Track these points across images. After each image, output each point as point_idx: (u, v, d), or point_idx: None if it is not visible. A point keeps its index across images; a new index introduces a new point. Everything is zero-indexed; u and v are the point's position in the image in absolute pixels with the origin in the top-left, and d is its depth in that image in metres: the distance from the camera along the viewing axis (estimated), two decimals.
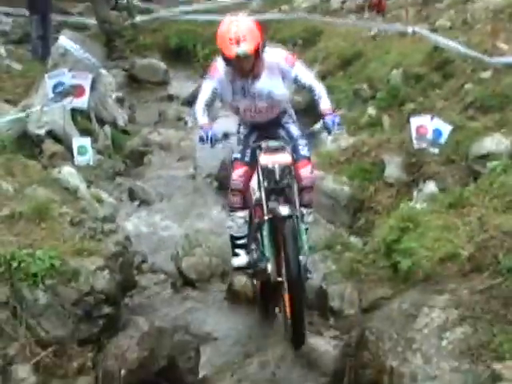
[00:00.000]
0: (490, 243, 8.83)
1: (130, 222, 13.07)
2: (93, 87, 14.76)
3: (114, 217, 12.57)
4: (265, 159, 8.87)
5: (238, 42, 8.31)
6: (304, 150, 9.36)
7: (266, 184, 8.86)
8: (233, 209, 9.42)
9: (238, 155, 9.41)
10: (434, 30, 17.93)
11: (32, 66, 18.88)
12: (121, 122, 17.67)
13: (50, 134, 14.68)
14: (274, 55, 8.90)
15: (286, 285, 8.59)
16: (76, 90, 14.27)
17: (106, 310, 9.30)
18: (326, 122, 9.17)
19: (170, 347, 8.55)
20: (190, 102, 21.53)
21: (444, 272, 8.95)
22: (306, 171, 9.19)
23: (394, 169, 13.23)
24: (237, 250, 9.55)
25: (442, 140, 11.97)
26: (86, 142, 13.27)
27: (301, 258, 8.64)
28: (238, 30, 8.39)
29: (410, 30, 18.49)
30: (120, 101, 18.91)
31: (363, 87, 17.40)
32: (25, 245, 9.20)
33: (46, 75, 14.91)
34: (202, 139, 9.03)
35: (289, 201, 8.95)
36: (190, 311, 10.23)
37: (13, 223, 9.96)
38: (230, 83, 8.97)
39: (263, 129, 9.45)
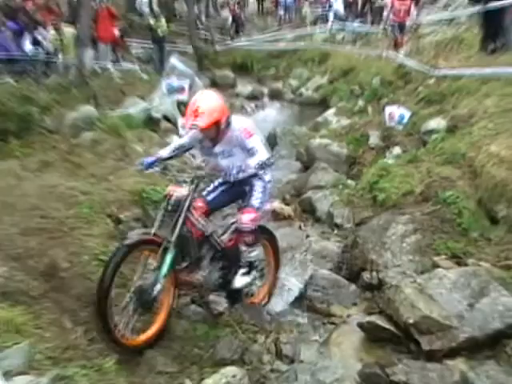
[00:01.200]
0: (433, 184, 8.77)
1: None
2: (190, 88, 14.75)
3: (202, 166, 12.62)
4: (169, 188, 6.66)
5: (195, 116, 6.40)
6: (255, 201, 6.94)
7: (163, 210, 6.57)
8: None
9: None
10: (398, 54, 17.84)
11: (153, 77, 18.99)
12: None
13: (164, 117, 14.79)
14: (237, 125, 6.69)
15: None
16: (180, 90, 14.40)
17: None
18: (231, 169, 6.72)
19: None
20: (250, 97, 21.79)
21: (405, 202, 8.92)
22: (246, 217, 6.80)
23: (374, 138, 13.18)
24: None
25: (405, 121, 11.90)
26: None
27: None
28: (200, 105, 6.43)
29: (384, 54, 18.38)
30: None
31: (356, 88, 17.37)
32: (149, 183, 9.26)
33: (163, 81, 15.05)
34: (139, 163, 6.97)
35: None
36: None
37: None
38: (200, 143, 7.04)
39: (228, 188, 7.23)
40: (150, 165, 6.82)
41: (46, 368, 5.24)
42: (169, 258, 6.26)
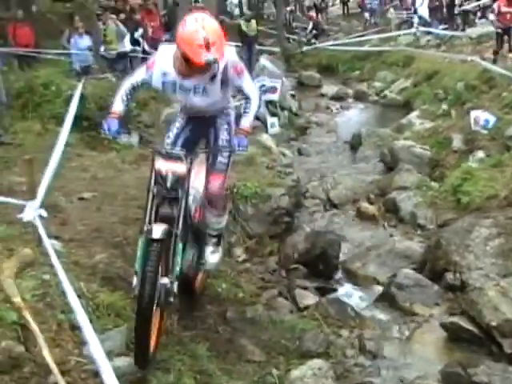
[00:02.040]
0: None
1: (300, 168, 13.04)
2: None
3: (291, 164, 12.71)
4: (159, 164, 5.18)
5: (208, 48, 4.91)
6: (221, 163, 5.80)
7: (155, 190, 5.24)
8: None
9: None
10: (483, 59, 17.49)
11: None
12: (293, 109, 17.83)
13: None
14: (230, 57, 5.37)
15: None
16: (272, 89, 14.47)
17: (286, 219, 9.45)
18: (232, 141, 5.72)
19: (323, 242, 8.59)
20: (335, 97, 21.75)
21: (489, 205, 8.81)
22: (214, 185, 5.76)
23: (457, 142, 12.94)
24: None
25: (490, 126, 11.71)
26: (275, 120, 13.38)
27: (164, 281, 5.14)
28: (208, 34, 4.92)
29: (469, 58, 18.05)
30: (293, 96, 18.94)
31: (439, 92, 17.11)
32: (240, 179, 9.37)
33: (255, 80, 15.12)
34: (103, 129, 5.40)
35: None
36: (334, 223, 10.25)
37: (233, 166, 10.16)
38: (165, 76, 5.44)
39: (197, 124, 5.92)
40: (117, 131, 5.42)
41: None
42: (180, 254, 5.35)
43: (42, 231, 5.83)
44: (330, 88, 22.89)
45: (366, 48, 26.23)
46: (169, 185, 5.14)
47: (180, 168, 5.16)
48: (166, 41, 20.74)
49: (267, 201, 9.29)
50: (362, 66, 25.54)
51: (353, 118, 19.01)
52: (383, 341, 6.77)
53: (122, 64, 16.40)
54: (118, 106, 5.47)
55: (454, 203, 9.61)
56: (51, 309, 5.18)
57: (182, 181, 5.19)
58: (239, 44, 22.62)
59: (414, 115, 16.48)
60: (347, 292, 8.13)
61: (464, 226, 8.42)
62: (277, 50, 26.21)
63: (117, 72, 15.33)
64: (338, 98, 21.70)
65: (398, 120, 16.79)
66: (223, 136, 5.89)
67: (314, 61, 26.63)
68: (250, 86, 5.72)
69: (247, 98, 5.70)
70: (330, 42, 27.31)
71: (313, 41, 28.44)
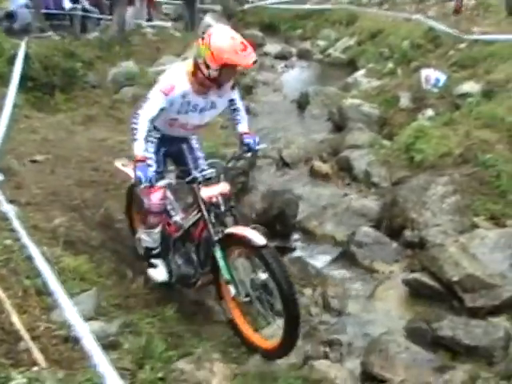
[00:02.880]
0: (472, 146, 8.73)
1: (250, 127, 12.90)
2: None
3: None
4: (207, 192, 5.48)
5: (247, 50, 5.21)
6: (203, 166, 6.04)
7: (212, 218, 5.47)
8: (150, 227, 6.00)
9: (153, 174, 5.44)
10: (427, 17, 17.62)
11: (185, 34, 18.97)
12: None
13: None
14: None
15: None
16: None
17: (241, 178, 9.39)
18: (247, 143, 5.98)
19: (280, 202, 8.58)
20: (279, 56, 21.64)
21: (443, 163, 8.89)
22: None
23: (405, 100, 13.02)
24: (153, 261, 6.16)
25: (440, 84, 11.79)
26: None
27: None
28: (240, 39, 5.24)
29: (413, 17, 18.16)
30: None
31: (385, 50, 17.14)
32: None
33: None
34: (139, 179, 5.25)
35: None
36: (288, 182, 10.25)
37: None
38: (184, 98, 5.48)
39: (171, 143, 6.02)
40: (152, 178, 5.32)
41: (113, 315, 5.36)
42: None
43: None
44: (273, 47, 22.67)
45: (307, 6, 26.07)
46: (223, 208, 5.49)
47: (223, 187, 5.58)
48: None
49: (222, 161, 9.22)
50: (304, 24, 25.31)
51: (298, 76, 18.90)
52: (347, 298, 6.88)
53: (59, 21, 16.02)
54: (142, 148, 5.37)
55: (407, 161, 9.63)
56: (15, 274, 5.11)
57: (228, 197, 5.59)
58: (179, 2, 22.44)
59: (360, 74, 16.49)
60: (307, 251, 8.17)
61: (420, 183, 8.50)
62: (217, 8, 25.92)
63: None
64: (281, 56, 21.52)
65: (343, 79, 16.77)
66: (195, 145, 6.28)
67: (255, 19, 26.32)
68: (239, 97, 6.10)
69: (236, 110, 6.07)
70: (272, 0, 27.01)
71: None
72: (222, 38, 5.20)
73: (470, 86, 11.53)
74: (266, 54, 21.97)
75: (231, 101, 6.00)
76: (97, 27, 18.26)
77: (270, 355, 5.43)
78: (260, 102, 15.52)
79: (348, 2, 24.92)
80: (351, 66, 18.22)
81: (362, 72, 16.65)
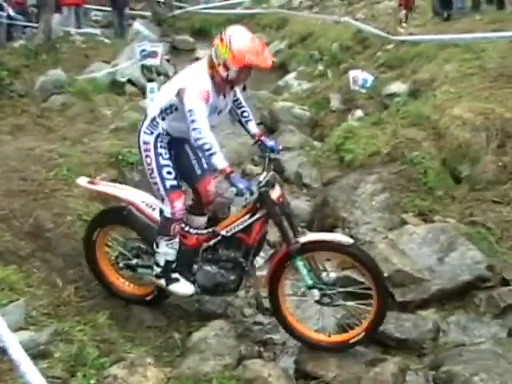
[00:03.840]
0: (399, 145, 8.94)
1: None
2: None
3: None
4: (275, 194, 5.62)
5: (265, 52, 5.47)
6: (206, 165, 6.19)
7: (282, 218, 5.68)
8: (173, 237, 5.89)
9: (174, 182, 5.78)
10: (355, 20, 17.94)
11: (115, 41, 18.92)
12: (170, 73, 17.68)
13: (129, 81, 14.67)
14: None
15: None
16: (153, 54, 14.25)
17: None
18: (271, 146, 6.08)
19: (212, 205, 8.57)
20: None
21: (372, 162, 9.06)
22: (211, 187, 6.30)
23: (335, 102, 13.31)
24: (174, 275, 6.03)
25: (368, 85, 11.99)
26: (154, 85, 13.22)
27: None
28: (258, 41, 5.52)
29: (342, 19, 18.45)
30: (168, 61, 18.81)
31: (315, 53, 17.42)
32: (125, 145, 9.27)
33: (136, 45, 14.93)
34: (245, 192, 5.36)
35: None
36: (220, 185, 10.25)
37: (117, 133, 10.05)
38: (211, 102, 5.47)
39: (177, 145, 5.99)
40: (249, 185, 5.43)
41: (43, 324, 5.37)
42: None
43: None
44: (204, 52, 22.71)
45: (238, 11, 26.25)
46: (287, 209, 5.76)
47: (279, 190, 5.72)
48: (32, 6, 20.16)
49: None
50: None
51: None
52: None
53: None
54: (224, 159, 5.38)
55: (337, 161, 9.82)
56: None
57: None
58: (109, 9, 22.33)
59: (291, 77, 16.71)
60: None
61: (349, 182, 8.69)
62: (148, 14, 25.89)
63: None
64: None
65: (275, 82, 16.96)
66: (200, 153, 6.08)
67: (186, 25, 26.39)
68: (241, 96, 6.11)
69: (243, 108, 6.12)
70: (202, 6, 27.10)
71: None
72: (242, 40, 5.36)
73: (398, 86, 11.82)
74: (197, 59, 21.97)
75: (236, 100, 6.06)
76: (23, 35, 18.11)
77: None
78: None
79: (279, 5, 25.18)
80: (282, 69, 18.38)
81: (293, 75, 16.87)
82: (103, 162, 8.81)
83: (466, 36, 11.82)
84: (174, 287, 6.04)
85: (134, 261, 6.32)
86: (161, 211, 5.92)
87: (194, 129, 5.27)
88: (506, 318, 6.37)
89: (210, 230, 6.06)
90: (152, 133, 5.78)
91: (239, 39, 5.36)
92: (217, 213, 7.78)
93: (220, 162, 5.32)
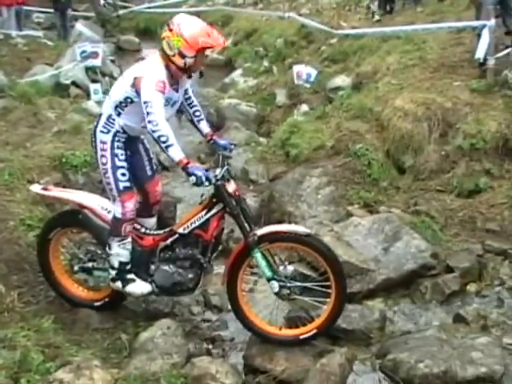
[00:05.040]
0: (343, 138, 9.06)
1: None
2: None
3: None
4: (230, 188, 5.72)
5: (215, 32, 5.47)
6: (155, 166, 6.37)
7: (239, 211, 5.69)
8: (124, 237, 5.82)
9: (127, 184, 5.74)
10: (300, 15, 18.05)
11: (58, 43, 18.74)
12: (115, 74, 17.57)
13: (74, 83, 14.53)
14: None
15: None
16: (93, 55, 14.15)
17: None
18: (224, 144, 6.17)
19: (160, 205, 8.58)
20: None
21: (317, 156, 9.15)
22: (160, 187, 6.36)
23: (281, 97, 13.44)
24: (130, 276, 5.94)
25: (312, 79, 12.06)
26: (98, 86, 13.14)
27: None
28: (206, 24, 5.46)
29: (286, 15, 18.54)
30: (113, 61, 18.70)
31: (260, 49, 17.48)
32: (68, 148, 9.21)
33: (76, 46, 14.78)
34: (204, 181, 5.24)
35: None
36: (167, 185, 10.22)
37: (60, 136, 9.96)
38: (168, 93, 5.48)
39: (132, 144, 5.95)
40: (207, 173, 5.35)
41: None
42: None
43: None
44: (150, 51, 22.48)
45: (183, 9, 26.16)
46: (243, 203, 5.85)
47: (234, 184, 5.85)
48: None
49: (97, 168, 9.16)
50: None
51: None
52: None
53: None
54: (182, 153, 5.31)
55: (283, 156, 9.87)
56: None
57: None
58: (51, 10, 22.04)
59: (237, 74, 16.76)
60: None
61: (295, 177, 8.76)
62: (91, 14, 25.63)
63: None
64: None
65: (221, 79, 16.98)
66: (151, 153, 6.24)
67: (131, 24, 26.21)
68: (190, 86, 6.04)
69: (190, 99, 6.08)
70: (146, 5, 26.92)
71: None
72: (192, 25, 5.34)
73: (342, 80, 11.99)
74: (142, 59, 21.88)
75: (188, 99, 6.07)
76: None
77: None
78: None
79: (223, 3, 25.21)
80: (228, 66, 18.45)
81: (238, 72, 16.93)
82: (46, 166, 8.71)
83: (407, 28, 12.01)
84: (130, 288, 5.96)
85: (90, 264, 6.24)
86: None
87: (149, 121, 5.21)
88: (450, 305, 6.59)
89: (167, 229, 6.01)
90: (109, 131, 5.71)
91: (188, 25, 5.35)
92: (163, 213, 7.83)
93: (177, 153, 5.27)
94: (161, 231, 6.05)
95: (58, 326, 5.81)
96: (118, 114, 5.67)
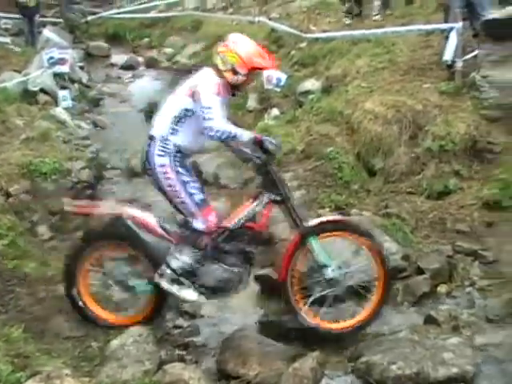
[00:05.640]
0: (313, 142, 9.11)
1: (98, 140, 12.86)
2: None
3: (88, 137, 12.53)
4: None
5: (267, 55, 5.83)
6: None
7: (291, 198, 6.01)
8: (199, 249, 5.83)
9: (201, 196, 5.79)
10: (270, 19, 18.07)
11: (26, 50, 18.61)
12: (84, 80, 17.54)
13: (42, 90, 14.42)
14: None
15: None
16: (61, 61, 14.07)
17: (88, 192, 9.34)
18: None
19: None
20: (126, 67, 21.51)
21: (288, 160, 9.17)
22: None
23: (252, 102, 13.41)
24: (186, 282, 5.93)
25: (282, 83, 12.07)
26: (66, 92, 13.08)
27: None
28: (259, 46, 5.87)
29: (256, 19, 18.56)
30: (82, 68, 18.63)
31: None
32: (37, 156, 9.16)
33: (43, 52, 14.69)
34: (279, 149, 5.94)
35: None
36: (137, 191, 10.20)
37: (28, 143, 9.90)
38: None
39: (185, 161, 5.88)
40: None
41: None
42: None
43: None
44: (119, 57, 22.53)
45: (152, 14, 26.15)
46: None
47: None
48: None
49: (67, 175, 9.14)
50: (150, 33, 25.34)
51: (146, 86, 18.84)
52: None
53: None
54: (246, 131, 5.82)
55: None
56: None
57: None
58: (19, 16, 21.87)
59: None
60: None
61: None
62: (59, 20, 25.46)
63: None
64: (128, 66, 21.40)
65: None
66: None
67: (100, 30, 26.01)
68: None
69: None
70: (115, 11, 26.78)
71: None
72: (247, 45, 5.71)
73: (311, 84, 12.02)
74: (112, 65, 21.91)
75: None
76: None
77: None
78: (107, 113, 15.44)
79: (193, 8, 25.13)
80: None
81: None
82: (15, 174, 8.68)
83: (376, 31, 12.05)
84: (184, 293, 5.97)
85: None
86: (186, 222, 5.93)
87: (210, 126, 5.46)
88: (422, 306, 6.63)
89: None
90: (166, 153, 5.71)
91: (244, 44, 5.69)
92: None
93: (247, 135, 5.72)
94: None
95: (28, 335, 5.75)
96: (174, 133, 5.71)
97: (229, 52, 5.62)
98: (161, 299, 6.18)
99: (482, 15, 9.72)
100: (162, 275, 5.91)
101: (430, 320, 6.28)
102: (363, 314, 6.12)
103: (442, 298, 6.72)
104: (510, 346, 5.74)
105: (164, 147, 5.70)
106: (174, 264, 5.88)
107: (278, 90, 12.21)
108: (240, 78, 5.67)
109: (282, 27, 15.98)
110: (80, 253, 6.10)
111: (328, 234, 6.02)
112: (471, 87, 9.38)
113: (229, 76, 5.65)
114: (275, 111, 12.19)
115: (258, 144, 5.72)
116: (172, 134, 5.70)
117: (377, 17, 14.13)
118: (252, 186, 8.91)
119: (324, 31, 14.48)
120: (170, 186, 5.74)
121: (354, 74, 10.75)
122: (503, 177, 8.06)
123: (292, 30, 15.20)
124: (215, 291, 6.03)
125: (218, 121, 5.47)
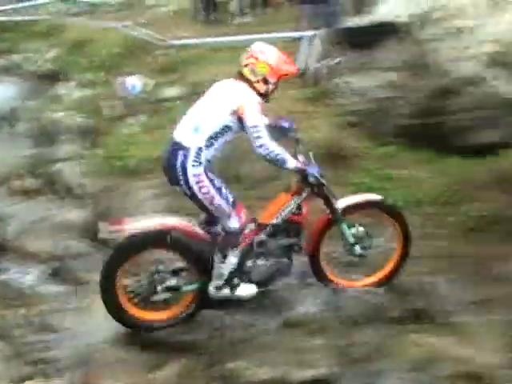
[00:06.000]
0: None
1: None
2: None
3: None
4: None
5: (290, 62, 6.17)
6: None
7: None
8: (239, 246, 6.13)
9: (232, 197, 6.05)
10: (136, 25, 17.99)
11: None
12: None
13: None
14: None
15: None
16: None
17: None
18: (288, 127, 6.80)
19: None
20: None
21: (145, 168, 9.40)
22: None
23: (111, 109, 13.25)
24: (236, 281, 6.25)
25: (137, 90, 12.10)
26: None
27: None
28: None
29: (120, 25, 18.44)
30: None
31: (93, 59, 17.19)
32: None
33: None
34: (318, 179, 6.08)
35: None
36: None
37: None
38: None
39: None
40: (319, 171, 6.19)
41: None
42: None
43: None
44: None
45: (14, 18, 25.34)
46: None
47: None
48: None
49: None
50: (9, 37, 24.54)
51: (5, 93, 18.24)
52: (63, 313, 6.81)
53: None
54: (293, 159, 6.00)
55: (114, 168, 9.92)
56: None
57: None
58: None
59: (68, 85, 16.38)
60: (20, 271, 7.96)
61: (123, 190, 9.11)
62: None
63: None
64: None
65: (53, 91, 16.56)
66: None
67: None
68: None
69: None
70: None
71: None
72: (274, 54, 5.95)
73: (171, 90, 12.13)
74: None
75: None
76: None
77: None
78: None
79: (55, 12, 24.63)
80: (59, 77, 18.00)
81: (70, 83, 16.55)
82: None
83: (240, 38, 12.29)
84: (239, 292, 6.28)
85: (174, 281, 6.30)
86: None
87: (261, 145, 5.68)
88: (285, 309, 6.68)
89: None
90: (200, 163, 5.84)
91: (272, 53, 5.93)
92: None
93: (294, 163, 5.95)
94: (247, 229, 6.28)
95: None
96: (210, 146, 5.87)
97: (259, 63, 5.84)
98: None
99: (335, 24, 10.05)
100: (218, 288, 6.22)
101: (293, 322, 6.41)
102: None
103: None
104: (372, 347, 5.93)
105: (197, 158, 5.84)
106: (222, 271, 6.14)
107: (133, 96, 12.20)
108: (270, 87, 5.93)
109: (144, 33, 16.00)
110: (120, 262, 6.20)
111: (358, 213, 6.69)
112: (333, 93, 9.71)
113: (259, 86, 5.87)
114: (133, 119, 12.16)
115: (301, 174, 6.08)
116: (208, 146, 5.86)
117: (236, 21, 14.39)
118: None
119: (184, 38, 14.58)
120: (205, 193, 5.91)
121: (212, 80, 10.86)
122: (357, 181, 8.40)
123: (157, 36, 15.30)
124: (262, 285, 6.43)
125: (268, 139, 5.70)
